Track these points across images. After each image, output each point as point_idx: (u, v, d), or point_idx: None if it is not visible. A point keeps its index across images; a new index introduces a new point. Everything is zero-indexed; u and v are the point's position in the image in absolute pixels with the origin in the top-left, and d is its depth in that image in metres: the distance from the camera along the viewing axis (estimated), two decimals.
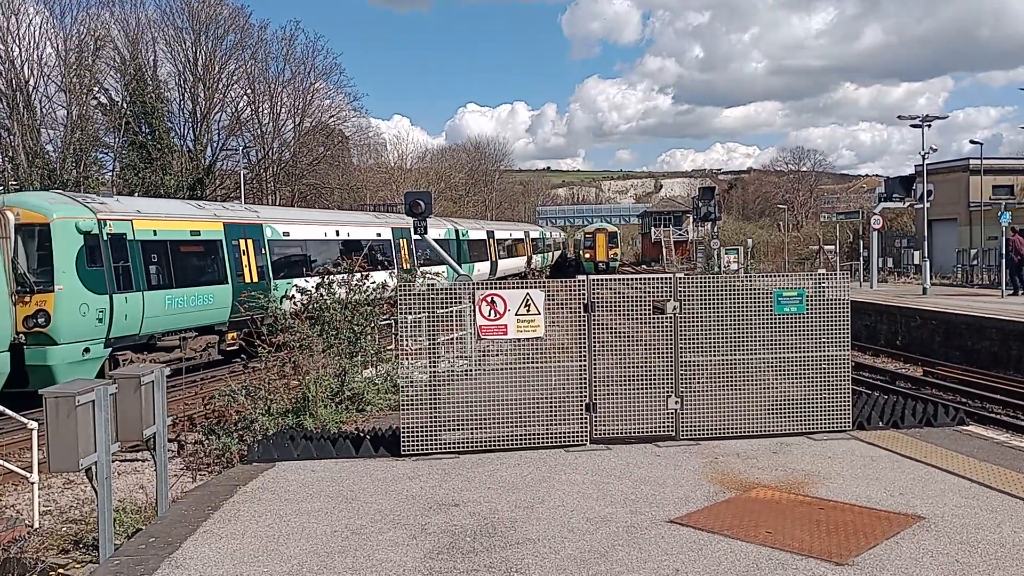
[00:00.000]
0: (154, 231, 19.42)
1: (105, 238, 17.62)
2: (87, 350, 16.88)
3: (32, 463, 9.36)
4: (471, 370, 9.61)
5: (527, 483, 7.61)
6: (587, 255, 71.85)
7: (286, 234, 25.03)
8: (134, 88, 47.19)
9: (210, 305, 20.93)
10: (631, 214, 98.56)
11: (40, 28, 43.66)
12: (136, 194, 41.64)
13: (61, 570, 7.60)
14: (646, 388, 9.09)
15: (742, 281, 10.21)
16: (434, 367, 8.75)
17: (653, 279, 9.46)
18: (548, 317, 8.90)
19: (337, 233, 28.02)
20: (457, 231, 40.93)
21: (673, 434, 8.99)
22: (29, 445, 9.87)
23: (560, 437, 8.84)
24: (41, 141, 42.92)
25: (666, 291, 9.10)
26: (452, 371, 9.34)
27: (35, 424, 9.17)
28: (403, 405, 8.74)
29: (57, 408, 6.12)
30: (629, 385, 9.12)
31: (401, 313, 8.97)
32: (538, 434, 8.80)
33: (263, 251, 23.59)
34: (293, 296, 14.20)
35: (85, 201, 18.25)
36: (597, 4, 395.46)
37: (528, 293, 8.86)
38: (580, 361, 8.93)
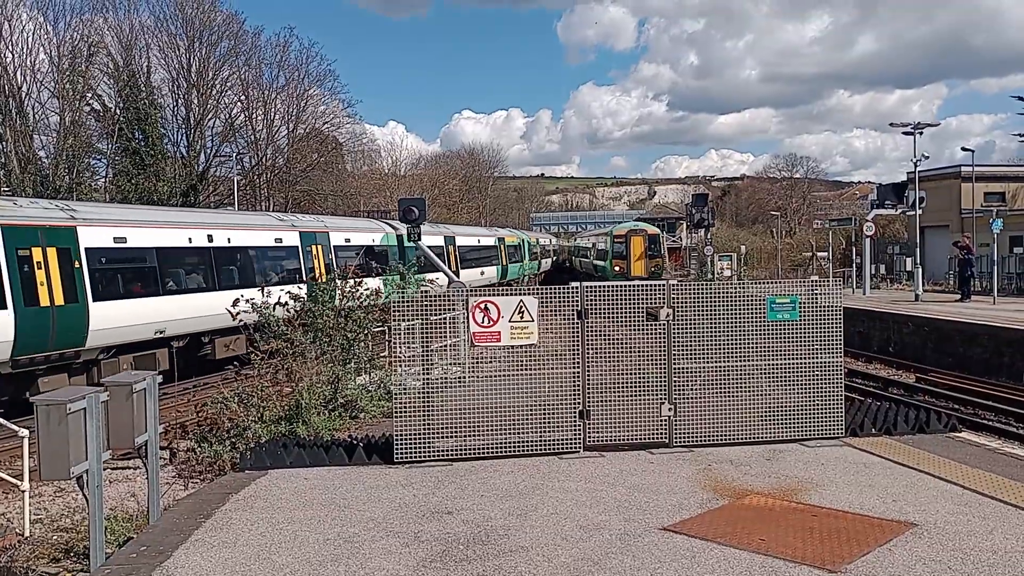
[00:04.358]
0: None
1: None
2: None
3: (23, 471, 9.30)
4: (464, 377, 9.60)
5: (520, 491, 7.59)
6: (617, 267, 51.28)
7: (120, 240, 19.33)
8: (127, 94, 47.12)
9: None
10: (624, 221, 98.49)
11: (33, 34, 43.60)
12: (132, 201, 41.57)
13: None
14: (639, 395, 9.09)
15: (735, 288, 10.24)
16: (427, 374, 8.75)
17: (647, 286, 9.46)
18: (542, 324, 8.89)
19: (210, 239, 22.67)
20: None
21: (666, 441, 8.99)
22: (20, 453, 9.81)
23: (553, 444, 8.83)
24: (34, 147, 42.80)
25: (659, 298, 9.11)
26: (445, 378, 9.33)
27: (26, 432, 9.11)
28: (396, 412, 8.72)
29: (48, 416, 6.08)
30: (622, 392, 9.11)
31: (394, 320, 8.96)
32: (531, 441, 8.78)
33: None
34: (286, 303, 14.17)
35: None
36: (593, 11, 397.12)
37: (522, 300, 8.86)
38: (573, 368, 8.93)
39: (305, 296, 14.30)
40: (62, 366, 17.17)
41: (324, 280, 19.38)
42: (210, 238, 21.83)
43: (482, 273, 43.73)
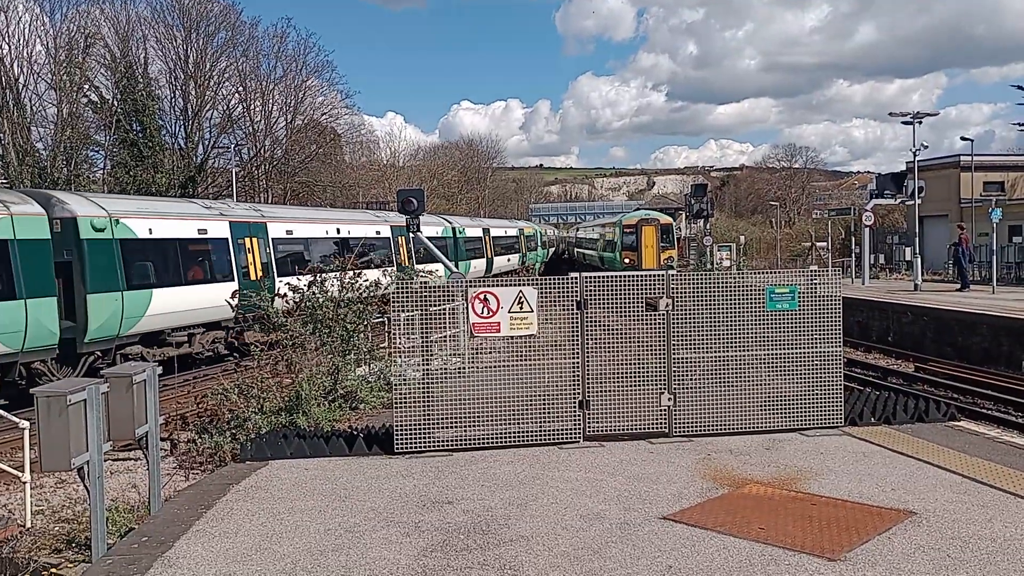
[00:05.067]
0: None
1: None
2: None
3: (24, 462, 9.32)
4: (464, 368, 9.61)
5: (520, 480, 7.61)
6: (627, 259, 46.54)
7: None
8: (125, 86, 46.92)
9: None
10: (624, 211, 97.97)
11: (30, 25, 43.39)
12: (130, 192, 41.47)
13: (54, 570, 7.57)
14: (639, 385, 9.10)
15: (734, 278, 10.24)
16: (427, 365, 8.75)
17: (646, 276, 9.45)
18: (541, 314, 8.90)
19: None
20: None
21: (666, 431, 9.00)
22: (21, 444, 9.83)
23: (553, 434, 8.85)
24: (31, 139, 42.67)
25: (659, 288, 9.11)
26: (445, 369, 9.33)
27: (27, 423, 9.13)
28: (396, 403, 8.73)
29: (49, 407, 6.09)
30: (622, 382, 9.13)
31: (394, 311, 8.96)
32: (531, 431, 8.80)
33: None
34: (285, 294, 14.18)
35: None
36: (591, 1, 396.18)
37: (521, 290, 8.86)
38: (573, 358, 8.94)
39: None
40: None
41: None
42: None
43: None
